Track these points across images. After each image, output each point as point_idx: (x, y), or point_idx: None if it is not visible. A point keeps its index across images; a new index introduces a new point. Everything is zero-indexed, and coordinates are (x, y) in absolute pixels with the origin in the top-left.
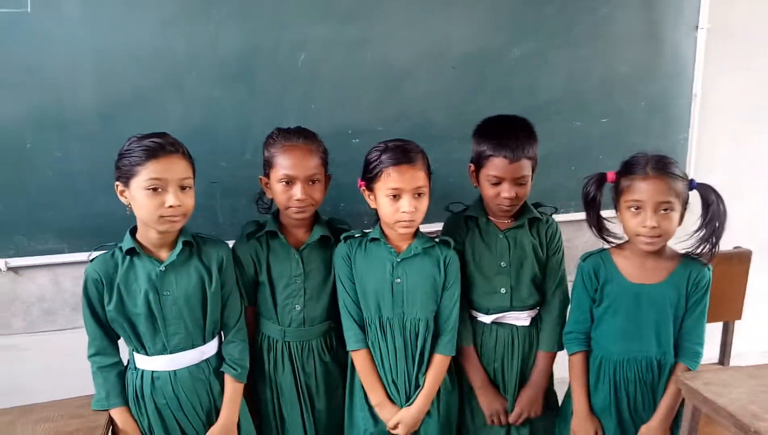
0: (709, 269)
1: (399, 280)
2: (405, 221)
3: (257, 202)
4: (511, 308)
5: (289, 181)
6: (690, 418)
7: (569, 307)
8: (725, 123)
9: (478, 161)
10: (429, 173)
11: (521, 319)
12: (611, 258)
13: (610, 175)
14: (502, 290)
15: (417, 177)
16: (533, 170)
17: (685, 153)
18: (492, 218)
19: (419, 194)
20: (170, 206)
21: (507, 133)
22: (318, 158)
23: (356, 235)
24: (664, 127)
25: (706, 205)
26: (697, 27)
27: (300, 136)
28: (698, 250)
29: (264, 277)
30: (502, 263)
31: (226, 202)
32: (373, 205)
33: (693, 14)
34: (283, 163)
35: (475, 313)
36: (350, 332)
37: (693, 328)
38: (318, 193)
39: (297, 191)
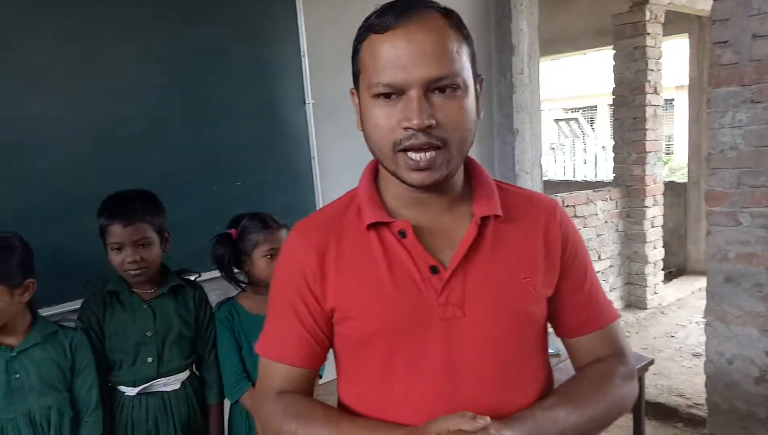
0: None
1: None
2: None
3: None
4: (158, 376)
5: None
6: None
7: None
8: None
9: (102, 235)
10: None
11: (170, 384)
12: (238, 302)
13: (234, 232)
14: (149, 359)
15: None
16: (161, 235)
17: (314, 205)
18: (135, 290)
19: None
20: None
21: (121, 203)
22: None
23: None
24: (294, 184)
25: None
26: (305, 102)
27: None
28: None
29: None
30: (147, 333)
31: None
32: None
33: (299, 92)
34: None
35: (121, 388)
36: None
37: None
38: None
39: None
